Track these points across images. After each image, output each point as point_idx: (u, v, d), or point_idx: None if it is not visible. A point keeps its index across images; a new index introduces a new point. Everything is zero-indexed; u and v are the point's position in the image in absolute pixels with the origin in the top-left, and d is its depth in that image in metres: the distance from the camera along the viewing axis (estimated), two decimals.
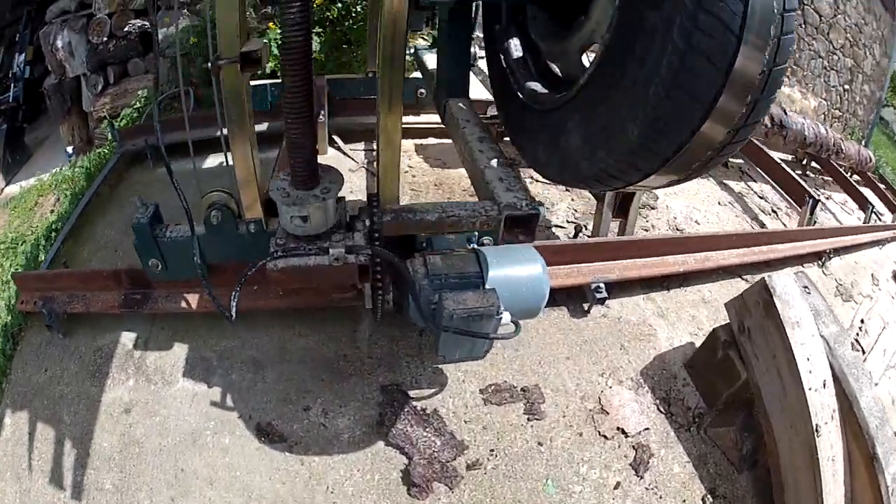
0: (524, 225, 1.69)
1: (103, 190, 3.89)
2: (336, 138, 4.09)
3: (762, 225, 4.49)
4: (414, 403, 2.33)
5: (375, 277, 1.86)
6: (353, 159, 3.97)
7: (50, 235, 3.73)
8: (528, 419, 2.34)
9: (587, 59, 1.69)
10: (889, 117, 15.76)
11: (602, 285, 2.70)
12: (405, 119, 4.17)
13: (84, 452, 2.24)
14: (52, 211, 4.59)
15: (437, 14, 2.02)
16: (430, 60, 2.49)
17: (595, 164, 1.44)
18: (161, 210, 2.18)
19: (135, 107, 5.54)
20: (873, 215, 5.99)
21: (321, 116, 3.68)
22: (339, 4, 5.05)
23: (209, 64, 1.80)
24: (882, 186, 7.82)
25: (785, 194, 4.90)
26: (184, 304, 2.48)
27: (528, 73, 1.93)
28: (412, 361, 2.49)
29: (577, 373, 2.54)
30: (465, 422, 2.30)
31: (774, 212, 4.87)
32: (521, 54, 1.96)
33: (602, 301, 2.71)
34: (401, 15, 1.59)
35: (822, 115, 9.55)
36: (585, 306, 2.82)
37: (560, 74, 1.86)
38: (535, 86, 1.86)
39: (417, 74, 4.29)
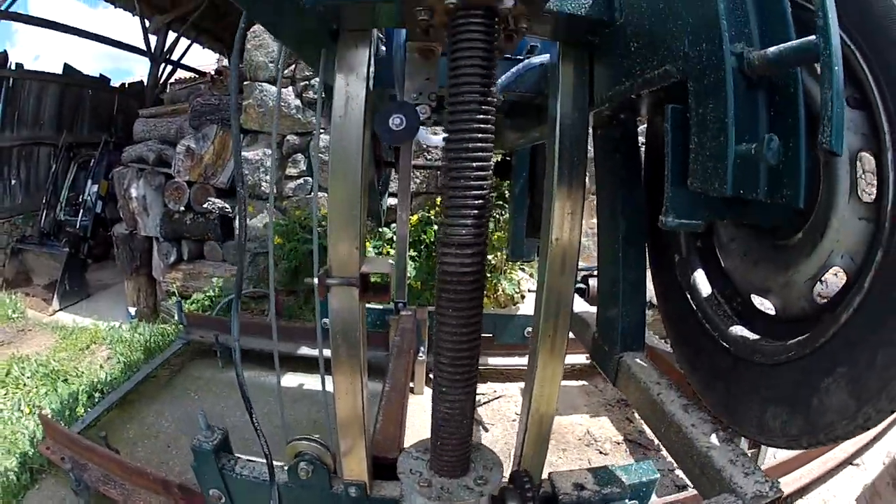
0: None
1: (160, 373, 3.43)
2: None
3: None
4: None
5: None
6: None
7: (93, 394, 3.45)
8: None
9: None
10: None
11: None
12: (508, 361, 3.71)
13: None
14: (101, 366, 4.20)
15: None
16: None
17: (856, 421, 0.94)
18: (225, 423, 1.79)
19: (207, 293, 5.14)
20: None
21: (421, 354, 3.20)
22: (436, 227, 4.50)
23: (314, 280, 1.30)
24: None
25: None
26: None
27: (725, 313, 1.39)
28: None
29: None
30: None
31: None
32: (710, 291, 1.44)
33: None
34: (571, 247, 1.37)
35: None
36: None
37: (774, 312, 1.31)
38: (742, 331, 1.32)
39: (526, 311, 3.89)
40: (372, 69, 1.33)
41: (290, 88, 5.12)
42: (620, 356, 1.50)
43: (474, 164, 0.95)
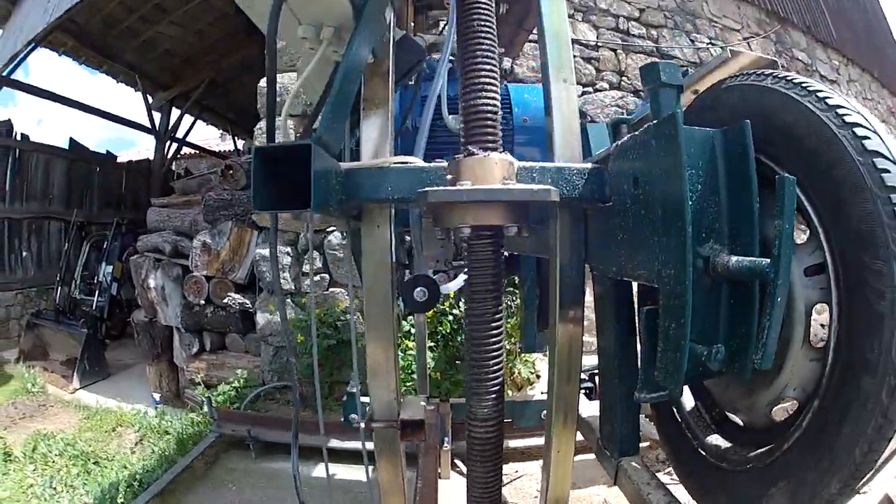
0: None
1: (197, 464, 3.59)
2: (458, 462, 3.76)
3: None
4: None
5: None
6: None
7: (132, 484, 3.57)
8: None
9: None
10: None
11: None
12: (527, 443, 3.94)
13: None
14: (131, 451, 4.33)
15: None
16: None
17: None
18: None
19: (233, 384, 5.19)
20: None
21: (445, 444, 3.39)
22: (451, 317, 4.50)
23: (362, 423, 1.51)
24: None
25: None
26: None
27: (705, 423, 1.62)
28: None
29: None
30: None
31: None
32: (693, 403, 1.68)
33: None
34: (575, 363, 1.50)
35: None
36: None
37: (742, 424, 1.55)
38: (717, 440, 1.55)
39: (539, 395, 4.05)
40: (394, 241, 1.57)
41: None
42: (619, 461, 1.71)
43: (491, 363, 1.21)
